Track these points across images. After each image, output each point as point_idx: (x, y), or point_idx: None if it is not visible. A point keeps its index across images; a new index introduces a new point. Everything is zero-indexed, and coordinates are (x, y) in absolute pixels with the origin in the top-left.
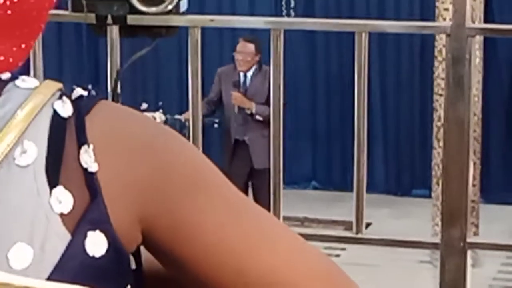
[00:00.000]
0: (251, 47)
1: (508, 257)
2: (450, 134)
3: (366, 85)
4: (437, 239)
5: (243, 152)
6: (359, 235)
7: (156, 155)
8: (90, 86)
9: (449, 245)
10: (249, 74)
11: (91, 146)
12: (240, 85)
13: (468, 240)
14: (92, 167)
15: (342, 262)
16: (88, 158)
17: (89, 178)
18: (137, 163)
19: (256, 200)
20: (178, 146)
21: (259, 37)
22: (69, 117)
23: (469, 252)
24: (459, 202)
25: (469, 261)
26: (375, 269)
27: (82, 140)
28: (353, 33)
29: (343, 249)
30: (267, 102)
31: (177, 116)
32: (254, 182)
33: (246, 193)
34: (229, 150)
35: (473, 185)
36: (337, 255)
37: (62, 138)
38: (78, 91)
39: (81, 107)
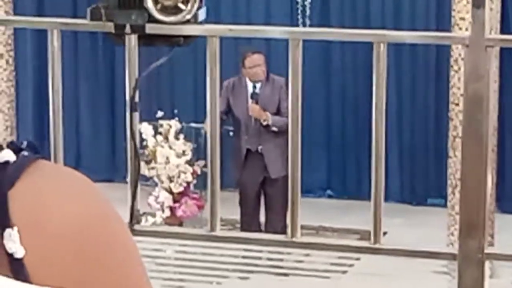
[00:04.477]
0: (263, 58)
1: None
2: (468, 145)
3: (384, 95)
4: (453, 249)
5: (257, 162)
6: (377, 245)
7: (88, 247)
8: (20, 143)
9: (467, 256)
10: (258, 84)
11: (15, 228)
12: (253, 96)
13: (486, 251)
14: (18, 252)
15: (356, 272)
16: (12, 243)
17: (16, 264)
18: (67, 252)
19: (269, 208)
20: (111, 233)
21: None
22: None
23: (486, 263)
24: (477, 213)
25: (487, 272)
26: (390, 279)
27: (4, 223)
28: (369, 43)
29: (358, 258)
30: (278, 112)
31: (192, 124)
32: (267, 191)
33: (258, 202)
34: (240, 161)
35: (490, 194)
36: (351, 265)
37: None
38: (4, 156)
39: (4, 180)
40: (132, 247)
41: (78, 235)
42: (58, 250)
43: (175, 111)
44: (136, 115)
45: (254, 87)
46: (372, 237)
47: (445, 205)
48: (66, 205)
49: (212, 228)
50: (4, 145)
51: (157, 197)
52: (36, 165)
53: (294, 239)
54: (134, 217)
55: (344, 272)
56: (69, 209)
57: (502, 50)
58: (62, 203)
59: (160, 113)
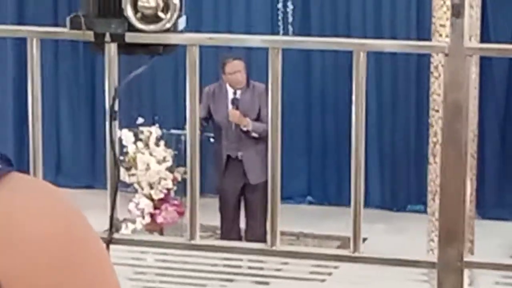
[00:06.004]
0: (243, 64)
1: (503, 276)
2: (447, 153)
3: (364, 103)
4: (432, 257)
5: (236, 168)
6: (356, 254)
7: (60, 265)
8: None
9: (446, 264)
10: (239, 91)
11: None
12: (234, 102)
13: (465, 259)
14: None
15: (335, 281)
16: None
17: None
18: (38, 270)
19: (250, 214)
20: (83, 249)
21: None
22: None
23: (465, 271)
24: (456, 221)
25: (465, 280)
26: (369, 287)
27: None
28: (350, 50)
29: (336, 267)
30: (258, 118)
31: (172, 131)
32: (247, 197)
33: (238, 208)
34: (220, 167)
35: (469, 201)
36: (330, 273)
37: None
38: None
39: None
40: (104, 257)
41: (50, 254)
42: (28, 269)
43: (156, 117)
44: (116, 124)
45: (235, 93)
46: (351, 246)
47: (425, 211)
48: (38, 225)
49: (192, 237)
50: None
51: (137, 204)
52: (8, 178)
53: (273, 248)
54: (113, 225)
55: (323, 280)
56: (41, 229)
57: (482, 56)
58: (34, 222)
59: (140, 120)
